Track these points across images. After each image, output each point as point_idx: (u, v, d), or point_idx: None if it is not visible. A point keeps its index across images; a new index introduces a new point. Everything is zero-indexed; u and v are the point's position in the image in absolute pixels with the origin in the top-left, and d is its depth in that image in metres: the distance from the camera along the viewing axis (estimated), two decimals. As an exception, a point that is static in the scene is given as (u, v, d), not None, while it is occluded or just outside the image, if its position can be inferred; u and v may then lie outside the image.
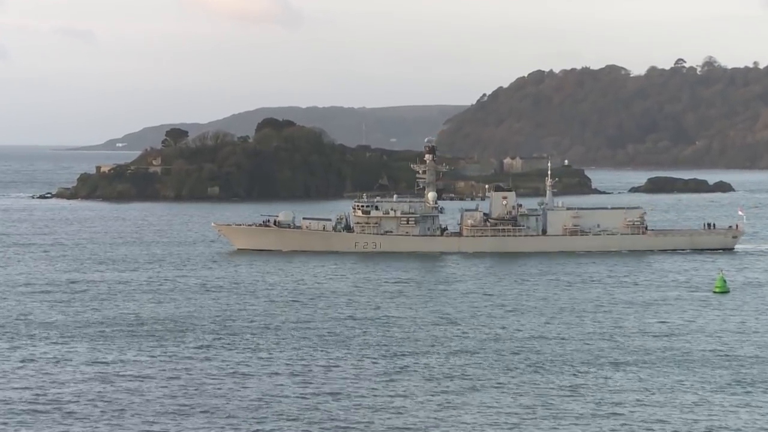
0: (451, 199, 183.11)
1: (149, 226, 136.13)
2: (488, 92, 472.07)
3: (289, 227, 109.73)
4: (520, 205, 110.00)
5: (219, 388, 48.05)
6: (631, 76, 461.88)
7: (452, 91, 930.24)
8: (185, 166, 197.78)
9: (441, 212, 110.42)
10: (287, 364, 52.68)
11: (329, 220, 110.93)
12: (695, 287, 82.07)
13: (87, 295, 76.07)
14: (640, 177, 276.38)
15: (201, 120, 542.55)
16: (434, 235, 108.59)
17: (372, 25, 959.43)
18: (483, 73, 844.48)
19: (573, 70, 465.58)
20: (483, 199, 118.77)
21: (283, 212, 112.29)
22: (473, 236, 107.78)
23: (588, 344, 58.24)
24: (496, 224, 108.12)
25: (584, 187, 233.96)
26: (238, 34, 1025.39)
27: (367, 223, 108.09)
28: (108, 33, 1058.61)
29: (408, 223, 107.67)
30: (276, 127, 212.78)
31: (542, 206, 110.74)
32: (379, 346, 57.21)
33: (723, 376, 50.85)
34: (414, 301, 74.00)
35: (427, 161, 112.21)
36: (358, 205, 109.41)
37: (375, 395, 46.87)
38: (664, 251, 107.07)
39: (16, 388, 48.03)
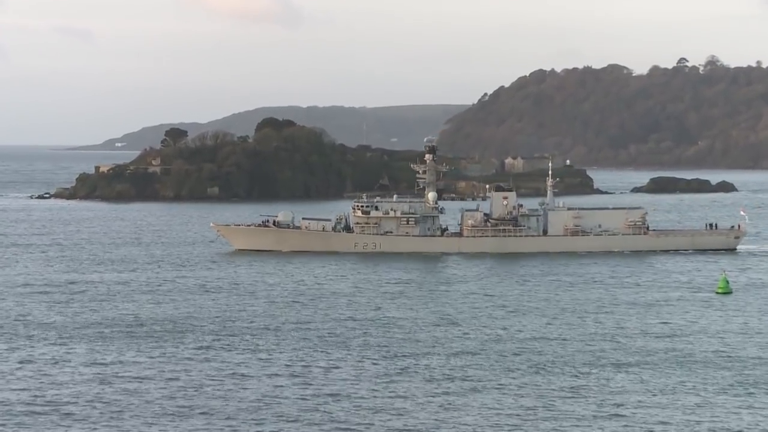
0: (452, 199, 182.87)
1: (148, 227, 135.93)
2: (489, 92, 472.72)
3: (289, 227, 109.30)
4: (521, 206, 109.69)
5: (218, 390, 47.90)
6: (634, 75, 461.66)
7: (453, 91, 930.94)
8: (185, 166, 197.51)
9: (441, 212, 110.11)
10: (287, 365, 52.53)
11: (329, 220, 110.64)
12: (698, 288, 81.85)
13: (86, 295, 75.89)
14: (643, 177, 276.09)
15: (200, 120, 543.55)
16: (434, 236, 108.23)
17: (372, 25, 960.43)
18: (484, 73, 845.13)
19: (575, 69, 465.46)
20: (484, 199, 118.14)
21: (282, 212, 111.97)
22: (474, 236, 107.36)
23: (589, 345, 58.02)
24: (496, 224, 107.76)
25: (586, 187, 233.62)
26: (238, 33, 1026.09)
27: (366, 223, 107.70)
28: (107, 32, 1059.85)
29: (408, 224, 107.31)
30: (276, 127, 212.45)
31: (543, 206, 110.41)
32: (380, 347, 57.03)
33: (725, 377, 50.67)
34: (414, 302, 73.80)
35: (428, 161, 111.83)
36: (357, 206, 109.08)
37: (375, 396, 46.73)
38: (665, 252, 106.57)
39: (15, 390, 47.91)
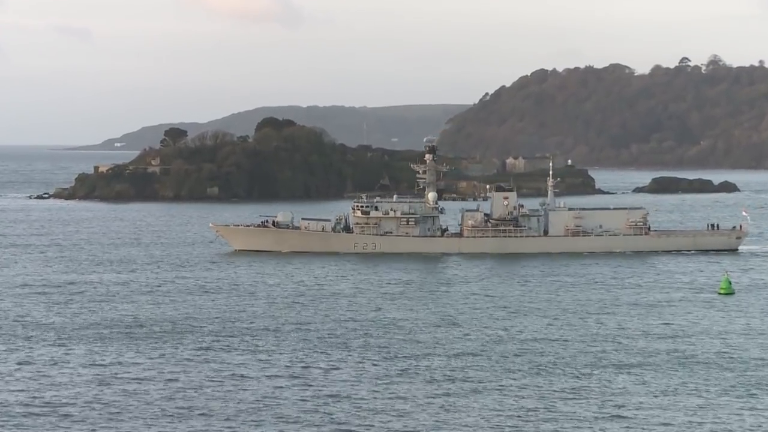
0: (453, 199, 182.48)
1: (148, 227, 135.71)
2: (491, 91, 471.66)
3: (288, 228, 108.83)
4: (522, 206, 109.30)
5: (218, 391, 47.73)
6: (636, 75, 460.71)
7: (454, 90, 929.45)
8: (184, 166, 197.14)
9: (441, 213, 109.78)
10: (287, 366, 52.35)
11: (328, 220, 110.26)
12: (699, 288, 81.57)
13: (85, 296, 75.64)
14: (644, 177, 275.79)
15: (200, 119, 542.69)
16: (434, 236, 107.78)
17: (373, 24, 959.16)
18: (485, 72, 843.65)
19: (576, 69, 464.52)
20: (485, 199, 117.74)
21: (281, 213, 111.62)
22: (474, 237, 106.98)
23: (591, 346, 57.79)
24: (497, 225, 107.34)
25: (588, 187, 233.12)
26: (238, 32, 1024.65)
27: (366, 223, 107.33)
28: (105, 31, 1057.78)
29: (408, 224, 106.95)
30: (276, 127, 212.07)
31: (544, 207, 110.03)
32: (380, 348, 56.82)
33: (728, 378, 50.46)
34: (414, 303, 73.57)
35: (428, 161, 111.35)
36: (357, 206, 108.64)
37: (375, 397, 46.55)
38: (667, 252, 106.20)
39: (13, 391, 47.73)
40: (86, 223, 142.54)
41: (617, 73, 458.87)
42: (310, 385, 48.60)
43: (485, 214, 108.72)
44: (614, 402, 45.82)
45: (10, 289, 78.82)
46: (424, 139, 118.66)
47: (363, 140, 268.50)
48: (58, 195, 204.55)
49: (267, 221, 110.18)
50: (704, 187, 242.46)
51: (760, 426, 42.72)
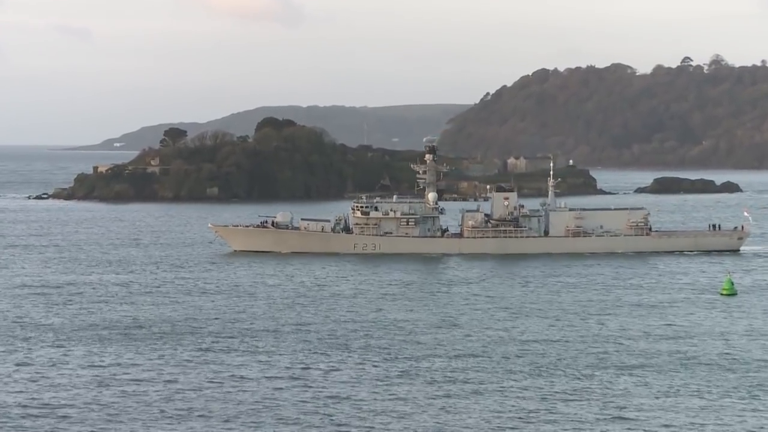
0: (454, 199, 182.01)
1: (147, 228, 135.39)
2: (492, 91, 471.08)
3: (287, 228, 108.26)
4: (522, 206, 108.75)
5: (217, 392, 47.56)
6: (637, 74, 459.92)
7: (455, 90, 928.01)
8: (184, 167, 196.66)
9: (441, 213, 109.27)
10: (287, 368, 52.18)
11: (328, 221, 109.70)
12: (702, 289, 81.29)
13: (84, 297, 75.43)
14: (646, 177, 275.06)
15: (200, 119, 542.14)
16: (434, 237, 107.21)
17: (373, 23, 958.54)
18: (486, 72, 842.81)
19: (578, 68, 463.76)
20: (486, 199, 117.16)
21: (280, 213, 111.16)
22: (474, 237, 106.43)
23: (592, 347, 57.56)
24: (497, 225, 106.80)
25: (589, 187, 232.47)
26: (238, 32, 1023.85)
27: (366, 224, 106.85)
28: (105, 31, 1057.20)
29: (408, 224, 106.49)
30: (276, 127, 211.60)
31: (544, 207, 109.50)
32: (380, 349, 56.62)
33: (730, 379, 50.26)
34: (415, 304, 73.32)
35: (428, 161, 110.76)
36: (357, 206, 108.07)
37: (376, 399, 46.39)
38: (668, 253, 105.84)
39: (12, 392, 47.56)
40: (85, 223, 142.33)
41: (619, 72, 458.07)
42: (310, 387, 48.44)
43: (485, 215, 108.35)
44: (616, 403, 45.66)
45: (9, 290, 78.62)
46: (424, 139, 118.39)
47: (363, 140, 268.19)
48: (57, 195, 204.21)
49: (266, 222, 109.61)
50: (706, 187, 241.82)
51: (762, 427, 42.56)
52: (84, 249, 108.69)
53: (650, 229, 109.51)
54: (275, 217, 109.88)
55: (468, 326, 63.52)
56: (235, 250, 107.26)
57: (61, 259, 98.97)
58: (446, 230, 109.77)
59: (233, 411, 44.41)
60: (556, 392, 47.37)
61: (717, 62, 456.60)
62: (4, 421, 43.05)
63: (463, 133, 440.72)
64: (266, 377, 50.14)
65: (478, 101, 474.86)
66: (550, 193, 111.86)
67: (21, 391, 47.63)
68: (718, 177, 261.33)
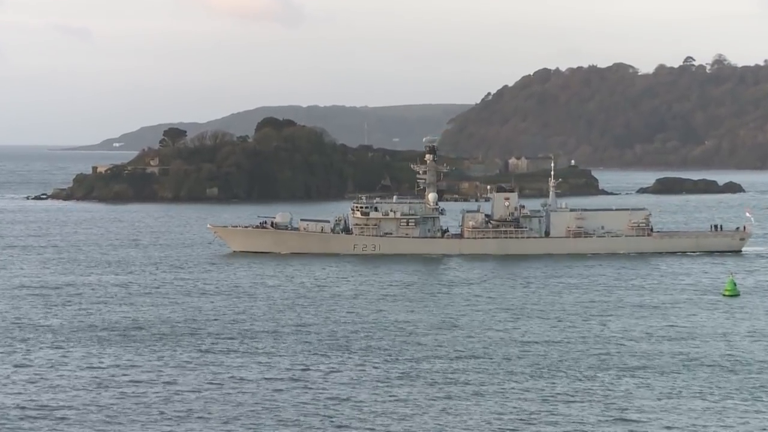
0: (455, 200, 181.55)
1: (146, 228, 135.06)
2: (493, 91, 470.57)
3: (287, 229, 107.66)
4: (523, 207, 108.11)
5: (217, 393, 47.35)
6: (639, 74, 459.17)
7: (456, 90, 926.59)
8: (183, 167, 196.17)
9: (442, 213, 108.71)
10: (287, 369, 51.97)
11: (327, 221, 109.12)
12: (704, 290, 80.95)
13: (83, 298, 75.18)
14: (649, 177, 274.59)
15: (199, 119, 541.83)
16: (435, 237, 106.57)
17: (374, 23, 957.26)
18: (487, 72, 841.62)
19: (580, 68, 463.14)
20: (487, 200, 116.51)
21: (280, 213, 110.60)
22: (474, 238, 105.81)
23: (594, 348, 57.30)
24: (497, 226, 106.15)
25: (591, 187, 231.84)
26: (238, 31, 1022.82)
27: (366, 224, 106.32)
28: (104, 31, 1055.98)
29: (408, 225, 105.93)
30: (276, 127, 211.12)
31: (545, 207, 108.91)
32: (380, 351, 56.41)
33: (733, 381, 50.01)
34: (415, 305, 73.05)
35: (428, 161, 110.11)
36: (357, 207, 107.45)
37: (376, 400, 46.20)
38: (669, 253, 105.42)
39: (10, 394, 47.38)
40: (84, 224, 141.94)
41: (621, 72, 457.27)
42: (310, 388, 48.23)
43: (486, 215, 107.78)
44: (617, 405, 45.41)
45: (8, 290, 78.32)
46: (424, 140, 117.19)
47: (364, 140, 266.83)
48: (56, 196, 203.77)
49: (265, 222, 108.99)
50: (709, 187, 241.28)
51: (764, 429, 42.36)
52: (83, 250, 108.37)
53: (652, 229, 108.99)
54: (274, 217, 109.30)
55: (469, 327, 63.26)
56: (234, 251, 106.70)
57: (60, 260, 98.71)
58: (446, 231, 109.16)
59: (233, 412, 44.22)
60: (558, 394, 47.15)
61: (719, 62, 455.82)
62: (2, 423, 42.93)
63: (465, 133, 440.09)
64: (266, 379, 49.94)
65: (479, 101, 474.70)
66: (551, 193, 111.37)
67: (19, 393, 47.43)
68: (721, 177, 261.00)
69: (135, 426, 42.53)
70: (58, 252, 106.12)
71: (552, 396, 46.80)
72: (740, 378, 50.36)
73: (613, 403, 45.74)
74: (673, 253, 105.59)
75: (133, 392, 47.45)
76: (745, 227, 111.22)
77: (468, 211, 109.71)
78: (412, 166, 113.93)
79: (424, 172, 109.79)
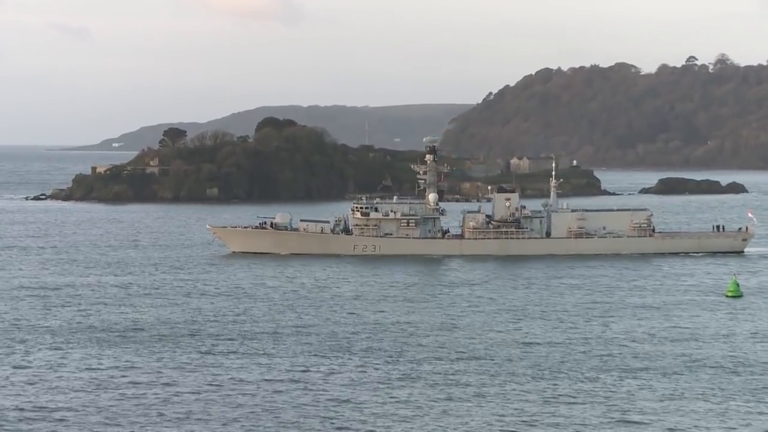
0: (457, 200, 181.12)
1: (146, 229, 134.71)
2: (495, 91, 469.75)
3: (286, 229, 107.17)
4: (524, 207, 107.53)
5: (216, 395, 47.14)
6: (642, 74, 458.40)
7: (457, 90, 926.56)
8: (183, 167, 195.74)
9: (442, 214, 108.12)
10: (287, 370, 51.77)
11: (327, 222, 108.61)
12: (707, 291, 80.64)
13: (82, 299, 74.89)
14: (651, 178, 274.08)
15: (199, 119, 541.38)
16: (435, 238, 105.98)
17: (375, 22, 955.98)
18: (489, 72, 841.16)
19: (582, 68, 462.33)
20: (488, 200, 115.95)
21: (279, 214, 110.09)
22: (475, 239, 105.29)
23: (595, 350, 57.07)
24: (498, 226, 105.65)
25: (593, 188, 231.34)
26: (238, 31, 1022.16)
27: (366, 225, 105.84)
28: (104, 30, 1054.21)
29: (408, 226, 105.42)
30: (277, 127, 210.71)
31: (546, 208, 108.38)
32: (381, 352, 56.18)
33: (736, 382, 49.79)
34: (416, 306, 72.76)
35: (428, 162, 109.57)
36: (357, 207, 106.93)
37: (376, 402, 46.04)
38: (671, 254, 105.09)
39: (9, 395, 47.18)
40: (83, 224, 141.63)
41: (623, 72, 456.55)
42: (311, 390, 48.02)
43: (487, 216, 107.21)
44: (620, 406, 45.20)
45: (7, 291, 78.06)
46: (425, 140, 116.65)
47: (365, 140, 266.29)
48: (55, 196, 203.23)
49: (265, 223, 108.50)
50: (711, 188, 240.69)
51: (767, 431, 42.10)
52: (82, 250, 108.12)
53: (653, 230, 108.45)
54: (274, 218, 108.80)
55: (470, 328, 62.99)
56: (234, 252, 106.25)
57: (59, 261, 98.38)
58: (447, 231, 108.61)
59: (232, 414, 44.02)
60: (560, 395, 46.91)
61: (722, 61, 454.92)
62: (1, 424, 42.76)
63: (466, 133, 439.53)
64: (266, 380, 49.71)
65: (480, 101, 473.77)
66: (552, 193, 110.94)
67: (18, 394, 47.21)
68: (724, 177, 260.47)
69: (134, 427, 42.36)
70: (57, 253, 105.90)
71: (554, 397, 46.58)
72: (743, 379, 50.11)
73: (615, 404, 45.51)
74: (675, 254, 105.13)
75: (132, 394, 47.29)
76: (747, 228, 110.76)
77: (469, 212, 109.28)
78: (412, 166, 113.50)
79: (425, 173, 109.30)
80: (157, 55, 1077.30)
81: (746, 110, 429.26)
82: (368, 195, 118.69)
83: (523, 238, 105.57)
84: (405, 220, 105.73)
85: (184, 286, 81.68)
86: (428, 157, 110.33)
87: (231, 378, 49.99)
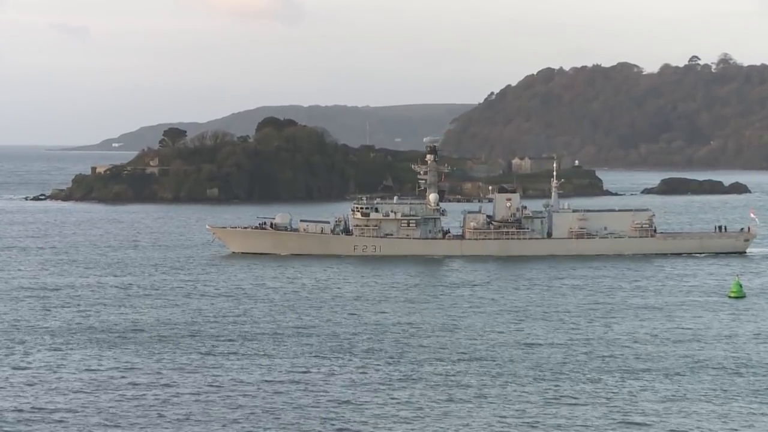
0: (458, 200, 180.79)
1: (146, 229, 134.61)
2: (496, 90, 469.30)
3: (286, 230, 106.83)
4: (525, 207, 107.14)
5: (216, 396, 47.03)
6: (644, 73, 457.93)
7: (459, 90, 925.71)
8: (183, 167, 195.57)
9: (443, 214, 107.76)
10: (287, 371, 51.68)
11: (327, 222, 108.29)
12: (709, 292, 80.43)
13: (81, 300, 74.76)
14: (653, 178, 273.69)
15: (200, 119, 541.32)
16: (436, 238, 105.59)
17: (375, 21, 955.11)
18: (491, 71, 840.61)
19: (584, 67, 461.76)
20: (489, 200, 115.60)
21: (279, 214, 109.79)
22: (476, 239, 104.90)
23: (598, 350, 56.88)
24: (499, 227, 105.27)
25: (595, 188, 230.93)
26: (238, 30, 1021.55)
27: (366, 225, 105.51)
28: (103, 29, 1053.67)
29: (408, 226, 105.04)
30: (277, 127, 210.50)
31: (547, 208, 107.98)
32: (381, 353, 56.04)
33: (738, 383, 49.65)
34: (416, 307, 72.61)
35: (429, 162, 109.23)
36: (357, 207, 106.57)
37: (377, 403, 45.93)
38: (673, 255, 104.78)
39: (8, 396, 47.10)
40: (83, 225, 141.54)
41: (625, 71, 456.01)
42: (311, 391, 47.92)
43: (488, 216, 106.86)
44: (622, 408, 45.09)
45: (6, 292, 77.98)
46: (425, 140, 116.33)
47: (366, 140, 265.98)
48: (54, 196, 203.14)
49: (265, 223, 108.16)
50: (714, 188, 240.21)
51: None
52: (82, 251, 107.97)
53: (655, 230, 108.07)
54: (274, 218, 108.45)
55: (471, 329, 62.83)
56: (234, 252, 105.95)
57: (59, 261, 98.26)
58: (448, 232, 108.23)
59: (232, 415, 43.92)
60: (561, 396, 46.79)
61: (725, 61, 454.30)
62: (0, 426, 42.66)
63: (467, 133, 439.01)
64: (266, 381, 49.60)
65: (482, 101, 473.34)
66: (553, 194, 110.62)
67: (17, 395, 47.12)
68: (726, 178, 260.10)
69: (134, 429, 42.27)
70: (57, 253, 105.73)
71: (555, 398, 46.43)
72: (746, 380, 49.94)
73: (617, 405, 45.37)
74: (677, 255, 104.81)
75: (132, 395, 47.19)
76: (749, 228, 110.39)
77: (469, 212, 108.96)
78: (412, 166, 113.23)
79: (425, 173, 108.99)
80: (156, 55, 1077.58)
81: (749, 110, 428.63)
82: (369, 195, 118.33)
83: (524, 238, 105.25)
84: (405, 221, 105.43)
85: (184, 286, 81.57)
86: (429, 157, 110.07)
87: (231, 379, 49.87)
